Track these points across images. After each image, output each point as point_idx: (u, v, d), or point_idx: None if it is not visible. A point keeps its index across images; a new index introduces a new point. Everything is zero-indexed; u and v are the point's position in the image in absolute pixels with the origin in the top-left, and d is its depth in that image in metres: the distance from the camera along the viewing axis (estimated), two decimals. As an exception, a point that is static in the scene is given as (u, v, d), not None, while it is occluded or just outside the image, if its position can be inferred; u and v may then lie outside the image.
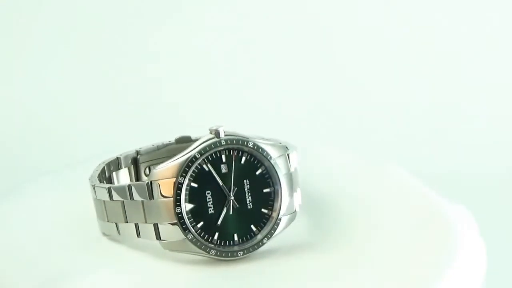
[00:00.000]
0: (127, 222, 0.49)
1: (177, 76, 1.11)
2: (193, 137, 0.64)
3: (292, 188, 0.51)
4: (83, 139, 1.02)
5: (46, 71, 1.12)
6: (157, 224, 0.48)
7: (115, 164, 0.59)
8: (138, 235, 0.49)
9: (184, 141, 0.63)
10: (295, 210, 0.51)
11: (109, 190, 0.49)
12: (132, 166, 0.61)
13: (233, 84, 1.10)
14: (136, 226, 0.49)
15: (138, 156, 0.61)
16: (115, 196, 0.49)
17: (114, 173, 0.59)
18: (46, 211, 0.57)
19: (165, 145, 0.62)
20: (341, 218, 0.56)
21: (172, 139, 0.63)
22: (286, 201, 0.50)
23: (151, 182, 0.47)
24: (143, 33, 1.15)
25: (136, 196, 0.48)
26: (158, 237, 0.48)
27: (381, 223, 0.54)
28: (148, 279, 0.47)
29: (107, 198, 0.50)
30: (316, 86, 1.12)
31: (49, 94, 1.09)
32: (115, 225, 0.50)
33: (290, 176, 0.51)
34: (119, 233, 0.51)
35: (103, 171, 0.57)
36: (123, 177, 0.60)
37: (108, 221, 0.51)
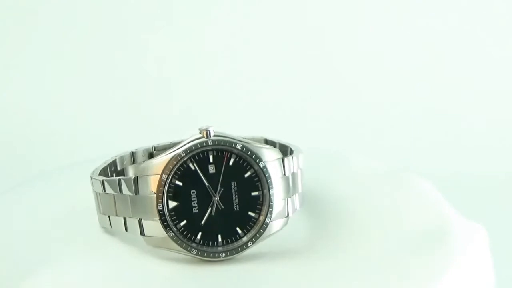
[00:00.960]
0: (117, 215, 0.50)
1: (197, 78, 1.12)
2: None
3: (287, 193, 0.50)
4: (89, 140, 1.04)
5: (49, 73, 1.15)
6: (141, 219, 0.48)
7: (129, 159, 0.60)
8: (126, 229, 0.50)
9: (204, 139, 0.63)
10: (288, 215, 0.50)
11: (102, 182, 0.50)
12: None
13: (245, 84, 1.10)
14: (125, 220, 0.50)
15: (154, 151, 0.62)
16: (108, 188, 0.50)
17: (129, 167, 0.60)
18: (49, 205, 0.59)
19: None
20: (346, 226, 0.55)
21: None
22: (278, 205, 0.49)
23: (137, 177, 0.48)
24: (144, 34, 1.16)
25: (125, 190, 0.48)
26: (142, 232, 0.48)
27: (383, 234, 0.52)
28: (122, 274, 0.47)
29: (101, 190, 0.51)
30: (322, 89, 1.11)
31: (58, 98, 1.12)
32: (108, 218, 0.51)
33: (287, 180, 0.50)
34: (111, 226, 0.51)
35: (113, 163, 0.58)
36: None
37: (102, 213, 0.52)
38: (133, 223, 0.49)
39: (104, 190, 0.50)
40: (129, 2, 1.17)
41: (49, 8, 1.16)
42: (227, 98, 1.10)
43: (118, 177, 0.49)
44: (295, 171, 0.52)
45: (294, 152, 0.54)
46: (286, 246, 0.51)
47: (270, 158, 0.49)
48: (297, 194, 0.52)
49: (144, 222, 0.48)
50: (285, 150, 0.58)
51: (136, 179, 0.48)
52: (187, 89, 1.10)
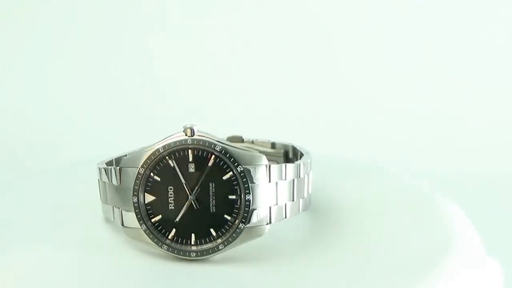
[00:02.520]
0: (107, 203, 0.52)
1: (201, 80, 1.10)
2: (245, 138, 0.64)
3: (274, 200, 0.49)
4: (89, 140, 1.06)
5: (49, 73, 1.17)
6: (121, 209, 0.50)
7: None
8: (113, 217, 0.52)
9: (235, 140, 0.63)
10: (270, 223, 0.49)
11: (100, 170, 0.52)
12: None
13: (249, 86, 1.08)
14: (113, 208, 0.51)
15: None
16: (103, 176, 0.52)
17: None
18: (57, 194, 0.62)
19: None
20: (341, 239, 0.53)
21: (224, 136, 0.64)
22: (259, 211, 0.48)
23: (121, 168, 0.49)
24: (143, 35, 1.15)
25: (113, 179, 0.50)
26: (122, 222, 0.50)
27: (381, 255, 0.50)
28: (87, 262, 0.48)
29: (99, 177, 0.53)
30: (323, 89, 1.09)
31: (58, 98, 1.14)
32: (103, 205, 0.53)
33: (274, 187, 0.49)
34: (104, 213, 0.53)
35: None
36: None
37: (101, 201, 0.54)
38: (117, 213, 0.50)
39: (101, 178, 0.52)
40: (128, 4, 1.18)
41: (49, 8, 1.20)
42: (232, 99, 1.08)
43: (110, 166, 0.51)
44: (289, 179, 0.50)
45: (298, 161, 0.53)
46: (271, 252, 0.50)
47: (254, 163, 0.48)
48: (290, 203, 0.50)
49: (123, 213, 0.49)
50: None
51: (120, 170, 0.49)
52: (191, 90, 1.10)
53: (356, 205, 0.57)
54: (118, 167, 0.49)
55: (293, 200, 0.51)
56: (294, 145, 0.61)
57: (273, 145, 0.63)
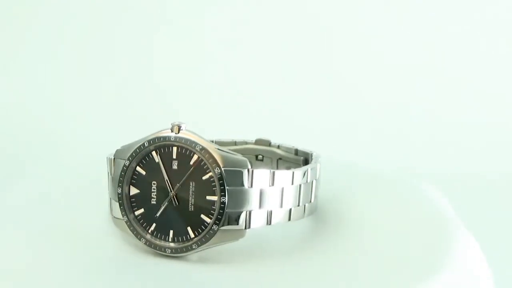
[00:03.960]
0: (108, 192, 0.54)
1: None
2: (272, 142, 0.63)
3: (256, 205, 0.48)
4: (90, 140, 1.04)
5: (49, 73, 1.16)
6: (111, 199, 0.51)
7: None
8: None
9: (262, 143, 0.63)
10: (248, 227, 0.48)
11: (106, 160, 0.54)
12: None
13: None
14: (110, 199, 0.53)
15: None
16: (108, 167, 0.53)
17: None
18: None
19: (244, 142, 0.64)
20: (342, 240, 0.52)
21: (253, 139, 0.64)
22: (235, 215, 0.48)
23: (114, 158, 0.51)
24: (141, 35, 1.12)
25: (112, 170, 0.52)
26: (111, 212, 0.52)
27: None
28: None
29: (105, 167, 0.55)
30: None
31: (58, 98, 1.13)
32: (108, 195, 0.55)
33: (257, 192, 0.48)
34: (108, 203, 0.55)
35: None
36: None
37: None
38: (109, 203, 0.52)
39: (107, 168, 0.54)
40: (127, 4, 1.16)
41: (48, 10, 1.21)
42: (234, 100, 1.04)
43: (110, 157, 0.52)
44: (279, 186, 0.49)
45: (314, 160, 0.52)
46: (255, 255, 0.50)
47: (235, 166, 0.48)
48: (278, 209, 0.50)
49: (113, 203, 0.51)
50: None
51: (112, 160, 0.51)
52: (190, 91, 1.07)
53: (357, 207, 0.56)
54: (112, 158, 0.51)
55: (281, 207, 0.50)
56: (313, 153, 0.59)
57: (296, 152, 0.62)
